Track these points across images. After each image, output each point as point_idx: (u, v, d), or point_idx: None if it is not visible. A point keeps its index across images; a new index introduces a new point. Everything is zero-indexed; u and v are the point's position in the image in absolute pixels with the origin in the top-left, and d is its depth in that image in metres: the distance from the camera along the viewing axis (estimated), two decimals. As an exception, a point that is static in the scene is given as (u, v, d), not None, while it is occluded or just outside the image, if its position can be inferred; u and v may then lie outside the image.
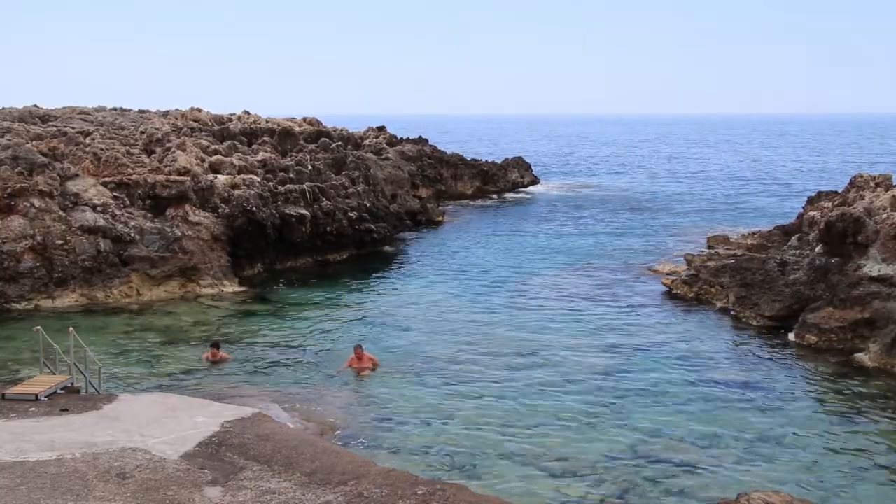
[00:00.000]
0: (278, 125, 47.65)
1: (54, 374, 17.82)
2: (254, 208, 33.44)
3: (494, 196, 63.85)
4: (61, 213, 29.15)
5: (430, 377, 20.82)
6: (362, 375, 20.91)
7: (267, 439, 14.24)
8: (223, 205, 33.05)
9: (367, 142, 56.97)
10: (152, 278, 29.72)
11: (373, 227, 39.04)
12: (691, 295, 29.55)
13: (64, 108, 47.73)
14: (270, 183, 36.03)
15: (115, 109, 50.28)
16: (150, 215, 31.40)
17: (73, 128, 38.21)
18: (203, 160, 35.72)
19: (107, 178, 32.04)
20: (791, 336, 24.32)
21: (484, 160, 69.59)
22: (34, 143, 32.01)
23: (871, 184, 29.18)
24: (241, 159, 37.22)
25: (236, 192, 33.75)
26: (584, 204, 60.68)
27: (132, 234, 29.94)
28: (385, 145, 56.79)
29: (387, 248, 40.13)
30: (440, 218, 50.63)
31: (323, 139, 47.37)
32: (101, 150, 33.74)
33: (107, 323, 26.11)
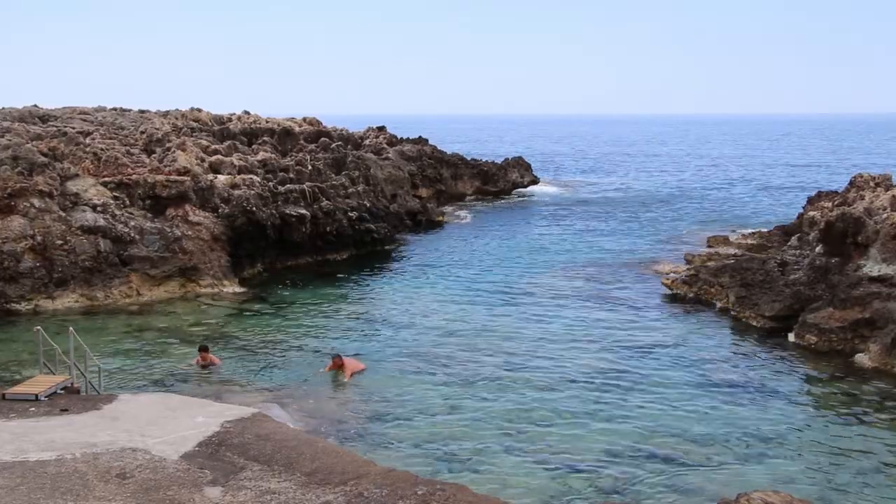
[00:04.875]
0: (278, 125, 47.66)
1: (54, 374, 17.81)
2: (254, 208, 33.44)
3: (494, 196, 63.84)
4: (61, 213, 29.15)
5: (430, 376, 20.83)
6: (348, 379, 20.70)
7: (267, 439, 14.24)
8: (223, 205, 33.05)
9: (367, 142, 56.96)
10: (152, 278, 29.72)
11: (373, 227, 39.03)
12: (691, 295, 29.55)
13: (64, 108, 47.70)
14: (270, 183, 36.03)
15: (115, 109, 50.23)
16: (150, 215, 31.40)
17: (73, 128, 38.18)
18: (203, 160, 35.72)
19: (107, 178, 32.04)
20: (791, 336, 24.30)
21: (484, 160, 69.58)
22: (34, 143, 31.99)
23: (871, 184, 29.19)
24: (241, 159, 37.22)
25: (236, 192, 33.75)
26: (584, 204, 60.71)
27: (132, 234, 29.93)
28: (385, 145, 56.77)
29: (387, 248, 40.11)
30: (440, 218, 50.61)
31: (323, 139, 47.37)
32: (101, 150, 33.73)
33: (107, 323, 26.11)
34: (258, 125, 47.04)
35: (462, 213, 55.17)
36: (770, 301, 25.99)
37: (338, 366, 20.85)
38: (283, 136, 46.13)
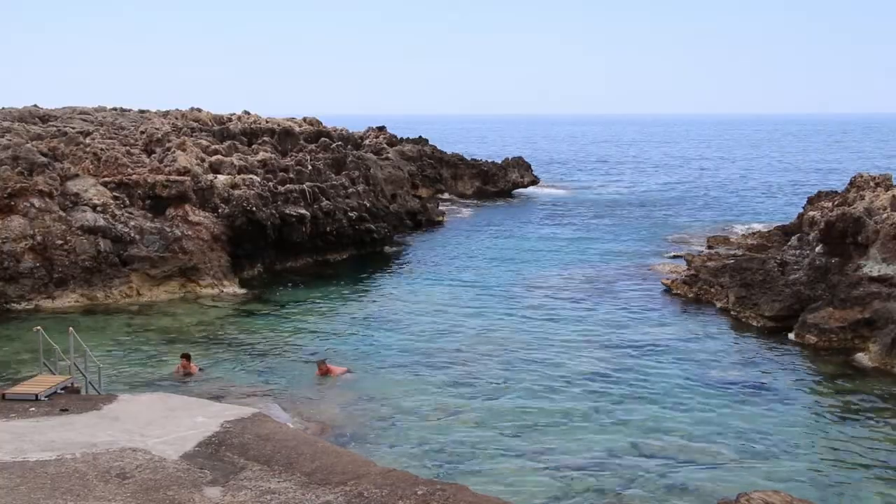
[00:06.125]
0: (278, 125, 47.63)
1: (54, 374, 17.80)
2: (254, 208, 33.43)
3: (494, 196, 63.83)
4: (61, 213, 29.14)
5: (430, 376, 20.84)
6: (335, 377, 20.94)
7: (267, 439, 14.22)
8: (223, 205, 33.05)
9: (367, 142, 56.97)
10: (152, 278, 29.72)
11: (373, 227, 39.04)
12: (691, 295, 29.55)
13: (64, 108, 47.73)
14: (270, 183, 36.02)
15: (115, 109, 50.26)
16: (150, 215, 31.40)
17: (73, 128, 38.19)
18: (203, 160, 35.71)
19: (107, 178, 32.04)
20: (791, 336, 24.32)
21: (484, 160, 69.59)
22: (34, 143, 31.99)
23: (871, 184, 29.18)
24: (241, 159, 37.21)
25: (236, 192, 33.74)
26: (583, 204, 60.69)
27: (132, 234, 29.93)
28: (385, 145, 56.79)
29: (387, 249, 40.12)
30: (440, 218, 50.62)
31: (323, 139, 47.34)
32: (101, 150, 33.73)
33: (107, 323, 26.11)
34: (258, 125, 47.02)
35: (456, 207, 55.24)
36: (770, 301, 26.00)
37: (324, 371, 21.00)
38: (283, 136, 46.12)
